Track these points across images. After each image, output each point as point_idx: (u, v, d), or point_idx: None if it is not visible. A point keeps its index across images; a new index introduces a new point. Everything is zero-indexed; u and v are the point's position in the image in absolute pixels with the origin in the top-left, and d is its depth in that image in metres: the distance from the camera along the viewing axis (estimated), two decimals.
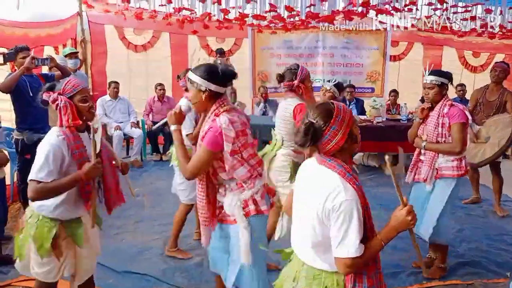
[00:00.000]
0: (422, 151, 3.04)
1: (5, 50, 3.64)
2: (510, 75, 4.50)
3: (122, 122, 6.32)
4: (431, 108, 2.95)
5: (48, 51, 5.93)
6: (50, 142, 1.97)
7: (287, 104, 2.98)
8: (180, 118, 2.18)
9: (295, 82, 2.93)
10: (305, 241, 1.60)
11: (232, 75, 2.16)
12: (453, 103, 2.91)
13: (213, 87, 2.05)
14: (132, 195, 2.46)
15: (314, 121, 1.50)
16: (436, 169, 2.95)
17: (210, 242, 2.27)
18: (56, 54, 5.77)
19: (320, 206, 1.49)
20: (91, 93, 6.68)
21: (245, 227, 2.09)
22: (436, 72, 2.93)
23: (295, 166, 2.84)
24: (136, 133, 6.19)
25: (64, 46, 6.50)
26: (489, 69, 4.65)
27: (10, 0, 5.19)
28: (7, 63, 3.71)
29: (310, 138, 1.49)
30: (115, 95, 6.38)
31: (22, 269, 2.17)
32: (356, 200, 1.46)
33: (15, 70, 3.77)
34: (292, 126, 2.88)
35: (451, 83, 2.97)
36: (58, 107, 1.97)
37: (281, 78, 3.03)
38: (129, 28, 7.53)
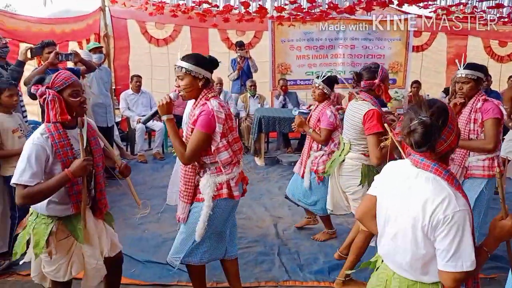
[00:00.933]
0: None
1: (32, 45, 3.75)
2: None
3: (144, 116, 6.43)
4: (463, 104, 2.79)
5: (73, 46, 6.09)
6: (33, 141, 1.87)
7: (357, 108, 2.77)
8: (170, 107, 2.22)
9: (376, 81, 2.74)
10: (401, 252, 1.49)
11: (217, 62, 2.31)
12: (487, 98, 2.74)
13: (208, 74, 2.22)
14: (137, 203, 2.35)
15: (430, 119, 1.36)
16: (466, 167, 2.80)
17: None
18: (80, 49, 5.90)
19: (426, 217, 1.38)
20: (113, 87, 6.90)
21: (208, 206, 2.24)
22: (472, 65, 2.76)
23: (367, 170, 2.81)
24: (158, 126, 6.29)
25: (88, 41, 6.65)
26: None
27: None
28: (34, 57, 3.82)
29: (429, 138, 1.36)
30: (137, 89, 6.50)
31: (35, 270, 2.07)
32: (468, 210, 1.37)
33: (41, 64, 3.89)
34: (361, 131, 2.75)
35: (486, 77, 2.86)
36: (46, 102, 1.86)
37: (358, 77, 2.84)
38: (151, 22, 7.64)
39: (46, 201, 1.91)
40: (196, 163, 2.28)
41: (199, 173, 2.32)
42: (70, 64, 4.78)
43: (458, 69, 2.80)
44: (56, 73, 1.95)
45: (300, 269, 3.16)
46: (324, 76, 3.36)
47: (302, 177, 3.47)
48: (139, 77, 6.55)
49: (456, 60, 2.89)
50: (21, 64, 3.44)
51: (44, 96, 1.86)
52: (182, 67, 2.17)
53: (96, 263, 2.05)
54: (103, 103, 5.39)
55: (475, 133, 2.74)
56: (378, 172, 2.77)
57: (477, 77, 2.74)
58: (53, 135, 1.89)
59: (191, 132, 2.22)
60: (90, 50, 5.36)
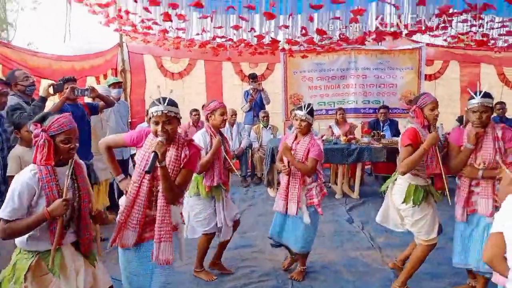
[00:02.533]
0: (474, 182, 2.85)
1: (54, 82, 3.90)
2: None
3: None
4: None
5: (90, 81, 6.30)
6: (20, 178, 1.97)
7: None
8: (165, 152, 2.27)
9: (414, 107, 2.98)
10: None
11: None
12: (504, 125, 2.81)
13: None
14: (98, 253, 2.30)
15: None
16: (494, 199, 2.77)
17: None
18: (97, 84, 6.09)
19: None
20: (129, 120, 7.04)
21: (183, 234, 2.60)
22: (487, 94, 2.78)
23: (412, 189, 2.94)
24: None
25: (105, 76, 6.88)
26: None
27: (58, 36, 5.58)
28: (56, 93, 3.96)
29: None
30: None
31: None
32: None
33: None
34: (402, 151, 2.92)
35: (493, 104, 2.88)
36: (37, 144, 1.96)
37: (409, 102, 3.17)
38: (167, 57, 7.88)
39: (26, 236, 1.96)
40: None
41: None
42: (90, 99, 4.92)
43: (473, 98, 2.80)
44: (57, 116, 2.02)
45: None
46: (307, 107, 3.28)
47: (296, 214, 3.32)
48: None
49: (469, 89, 2.90)
50: (43, 100, 3.57)
51: (37, 139, 1.96)
52: (171, 111, 2.27)
53: None
54: None
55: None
56: (426, 192, 2.95)
57: (492, 104, 2.81)
58: (41, 171, 1.96)
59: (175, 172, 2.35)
60: (109, 85, 5.53)
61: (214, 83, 8.04)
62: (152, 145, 2.22)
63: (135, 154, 2.51)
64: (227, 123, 6.59)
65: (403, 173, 2.89)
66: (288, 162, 3.35)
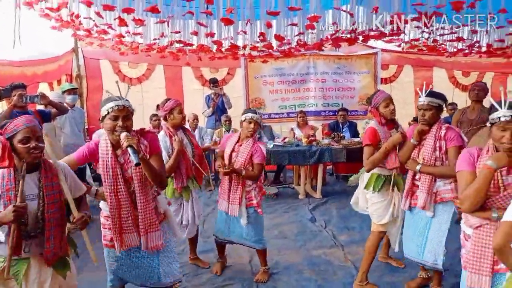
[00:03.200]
0: (417, 175, 2.96)
1: (1, 88, 3.72)
2: None
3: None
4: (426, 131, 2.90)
5: (43, 87, 6.04)
6: None
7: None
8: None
9: (369, 108, 3.20)
10: None
11: None
12: (449, 126, 2.88)
13: None
14: (93, 259, 2.22)
15: None
16: (434, 193, 2.88)
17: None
18: (50, 90, 5.85)
19: None
20: (86, 127, 6.81)
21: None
22: (433, 93, 2.86)
23: (374, 177, 3.17)
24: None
25: (59, 82, 6.63)
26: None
27: (7, 40, 5.32)
28: (3, 100, 3.78)
29: None
30: None
31: None
32: None
33: None
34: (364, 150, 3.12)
35: (445, 105, 2.97)
36: None
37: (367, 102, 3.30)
38: (124, 62, 7.71)
39: None
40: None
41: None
42: (41, 107, 4.72)
43: (420, 97, 2.91)
44: (12, 119, 1.97)
45: None
46: (255, 111, 3.33)
47: (238, 216, 3.36)
48: None
49: (417, 89, 3.01)
50: None
51: None
52: (130, 107, 2.28)
53: None
54: (75, 143, 5.28)
55: (440, 160, 2.82)
56: (387, 181, 3.10)
57: (438, 104, 2.85)
58: (3, 178, 1.92)
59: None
60: (64, 92, 5.33)
61: (174, 88, 7.95)
62: (123, 141, 2.15)
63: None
64: (189, 127, 6.53)
65: (368, 170, 3.13)
66: (229, 163, 3.35)
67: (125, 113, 2.22)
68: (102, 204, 2.47)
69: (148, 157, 2.31)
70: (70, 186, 2.13)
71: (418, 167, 2.87)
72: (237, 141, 3.41)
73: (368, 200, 3.30)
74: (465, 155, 2.11)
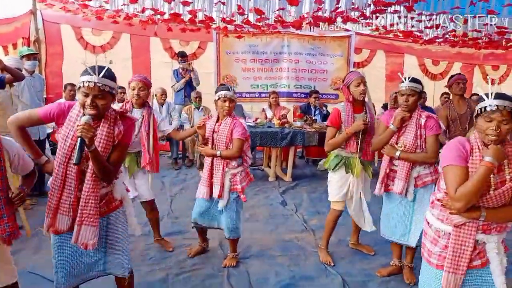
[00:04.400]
0: (395, 161, 2.95)
1: None
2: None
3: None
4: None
5: None
6: None
7: None
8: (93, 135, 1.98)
9: (341, 86, 3.24)
10: None
11: None
12: (429, 114, 2.88)
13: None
14: (27, 233, 2.13)
15: None
16: (415, 178, 2.91)
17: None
18: (5, 54, 5.36)
19: None
20: (45, 96, 6.38)
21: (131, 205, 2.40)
22: (416, 79, 2.85)
23: (332, 157, 3.32)
24: None
25: (15, 45, 6.10)
26: (447, 78, 4.62)
27: None
28: None
29: None
30: (71, 99, 5.99)
31: None
32: None
33: None
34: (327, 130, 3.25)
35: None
36: None
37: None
38: (87, 28, 7.20)
39: None
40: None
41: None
42: None
43: (402, 82, 2.85)
44: None
45: None
46: (232, 88, 3.19)
47: (219, 197, 3.19)
48: (73, 85, 6.05)
49: (399, 73, 2.99)
50: None
51: None
52: (106, 85, 1.95)
53: None
54: None
55: (420, 148, 2.86)
56: (344, 162, 3.23)
57: (420, 90, 2.85)
58: None
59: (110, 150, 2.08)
60: (22, 57, 4.87)
61: (141, 59, 7.51)
62: (78, 128, 1.86)
63: (52, 133, 2.16)
64: (155, 103, 6.22)
65: (327, 151, 3.30)
66: (212, 145, 3.19)
67: (96, 92, 1.92)
68: (50, 182, 2.16)
69: (113, 143, 2.06)
70: (14, 165, 1.99)
71: (397, 153, 2.87)
72: (217, 121, 3.23)
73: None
74: (457, 148, 1.90)
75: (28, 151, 2.20)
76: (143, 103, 3.25)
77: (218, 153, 3.12)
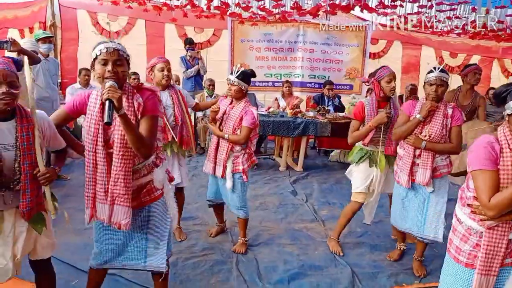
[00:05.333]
0: (417, 152, 2.90)
1: None
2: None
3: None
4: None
5: (13, 33, 5.58)
6: None
7: None
8: (121, 98, 1.91)
9: (372, 79, 3.18)
10: None
11: None
12: (453, 104, 2.89)
13: None
14: (52, 212, 2.07)
15: None
16: (434, 168, 2.90)
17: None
18: (21, 37, 5.40)
19: None
20: (59, 80, 6.44)
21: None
22: (444, 70, 2.82)
23: (355, 150, 3.36)
24: None
25: (31, 29, 6.16)
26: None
27: None
28: None
29: None
30: (86, 83, 6.05)
31: None
32: None
33: None
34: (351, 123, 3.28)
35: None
36: None
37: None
38: (103, 13, 7.21)
39: None
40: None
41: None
42: (12, 54, 4.32)
43: (431, 72, 2.80)
44: None
45: (259, 278, 2.99)
46: (238, 71, 3.13)
47: (222, 177, 3.26)
48: (88, 70, 6.08)
49: (428, 62, 2.94)
50: None
51: None
52: (123, 51, 1.95)
53: (6, 264, 1.94)
54: (50, 97, 4.98)
55: (444, 138, 2.84)
56: (369, 155, 3.24)
57: (447, 80, 2.82)
58: None
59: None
60: (38, 40, 4.90)
61: (156, 45, 7.53)
62: (104, 92, 1.85)
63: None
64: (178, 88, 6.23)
65: (350, 144, 3.30)
66: (220, 123, 3.23)
67: (116, 57, 1.90)
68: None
69: (137, 118, 2.00)
70: (46, 139, 1.99)
71: (423, 144, 2.84)
72: (230, 103, 3.25)
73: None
74: (485, 150, 1.74)
75: (73, 149, 2.22)
76: (168, 85, 3.27)
77: (226, 136, 3.16)
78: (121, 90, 1.95)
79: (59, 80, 6.65)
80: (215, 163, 3.28)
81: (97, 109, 1.97)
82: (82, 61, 6.95)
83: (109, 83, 1.86)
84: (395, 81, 3.09)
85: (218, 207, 3.60)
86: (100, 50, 1.90)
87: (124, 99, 1.96)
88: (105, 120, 1.82)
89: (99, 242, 2.23)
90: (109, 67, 1.89)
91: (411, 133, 2.89)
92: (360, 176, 3.31)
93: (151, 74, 3.21)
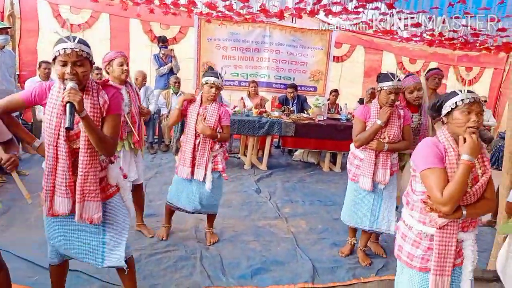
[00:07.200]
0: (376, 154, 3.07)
1: None
2: None
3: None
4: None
5: None
6: None
7: None
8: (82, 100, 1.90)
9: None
10: None
11: None
12: (404, 106, 3.15)
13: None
14: (26, 197, 2.04)
15: None
16: (389, 166, 3.09)
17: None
18: None
19: None
20: (17, 73, 6.18)
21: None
22: (399, 78, 2.98)
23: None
24: None
25: None
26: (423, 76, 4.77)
27: None
28: None
29: None
30: (46, 77, 5.85)
31: None
32: None
33: None
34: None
35: None
36: None
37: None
38: (65, 5, 6.99)
39: None
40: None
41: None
42: None
43: (388, 80, 2.93)
44: None
45: (223, 273, 3.03)
46: (221, 75, 3.19)
47: (203, 181, 3.25)
48: (48, 63, 5.90)
49: (396, 68, 3.09)
50: None
51: None
52: (83, 51, 1.88)
53: None
54: (6, 90, 4.78)
55: (399, 137, 3.08)
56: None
57: (401, 87, 3.06)
58: None
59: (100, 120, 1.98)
60: None
61: (120, 41, 7.36)
62: (64, 94, 1.79)
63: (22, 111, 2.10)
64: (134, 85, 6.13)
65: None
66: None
67: (74, 58, 1.85)
68: (44, 164, 2.12)
69: (102, 115, 1.98)
70: None
71: (386, 146, 3.03)
72: (200, 104, 3.25)
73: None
74: (432, 150, 1.86)
75: (20, 137, 2.14)
76: (126, 81, 3.23)
77: (218, 136, 3.23)
78: (83, 90, 1.92)
79: (17, 73, 6.40)
80: (193, 166, 3.24)
81: (59, 103, 1.92)
82: (42, 54, 6.70)
83: (69, 84, 1.83)
84: (418, 90, 3.16)
85: (173, 211, 3.56)
86: (59, 51, 1.85)
87: (88, 97, 1.94)
88: (66, 125, 1.79)
89: (51, 239, 2.19)
90: (67, 69, 1.85)
91: (373, 138, 3.04)
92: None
93: (109, 68, 3.15)
